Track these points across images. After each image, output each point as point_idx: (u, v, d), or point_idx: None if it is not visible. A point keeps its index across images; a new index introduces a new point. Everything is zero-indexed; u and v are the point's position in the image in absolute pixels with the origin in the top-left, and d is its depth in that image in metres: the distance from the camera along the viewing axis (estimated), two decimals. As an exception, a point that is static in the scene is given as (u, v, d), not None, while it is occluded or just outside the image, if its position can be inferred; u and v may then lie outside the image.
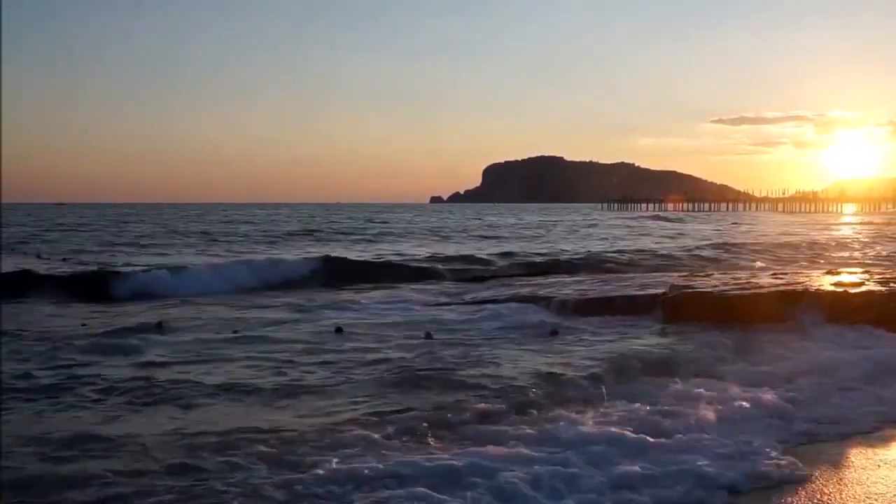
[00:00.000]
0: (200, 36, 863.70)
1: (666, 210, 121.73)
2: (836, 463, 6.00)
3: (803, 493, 5.40)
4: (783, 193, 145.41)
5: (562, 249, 30.79)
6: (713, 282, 13.91)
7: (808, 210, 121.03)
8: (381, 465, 5.50)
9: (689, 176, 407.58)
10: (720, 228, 55.02)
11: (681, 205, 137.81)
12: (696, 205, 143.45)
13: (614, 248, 30.18)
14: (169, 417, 6.91)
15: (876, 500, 5.28)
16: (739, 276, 15.37)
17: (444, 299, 15.59)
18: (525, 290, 15.77)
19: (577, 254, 27.39)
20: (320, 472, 5.40)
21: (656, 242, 36.02)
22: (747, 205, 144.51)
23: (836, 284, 12.98)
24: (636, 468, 5.53)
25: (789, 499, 5.32)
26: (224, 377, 8.41)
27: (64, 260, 24.94)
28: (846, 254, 27.91)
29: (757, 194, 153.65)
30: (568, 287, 15.97)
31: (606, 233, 47.85)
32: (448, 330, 11.61)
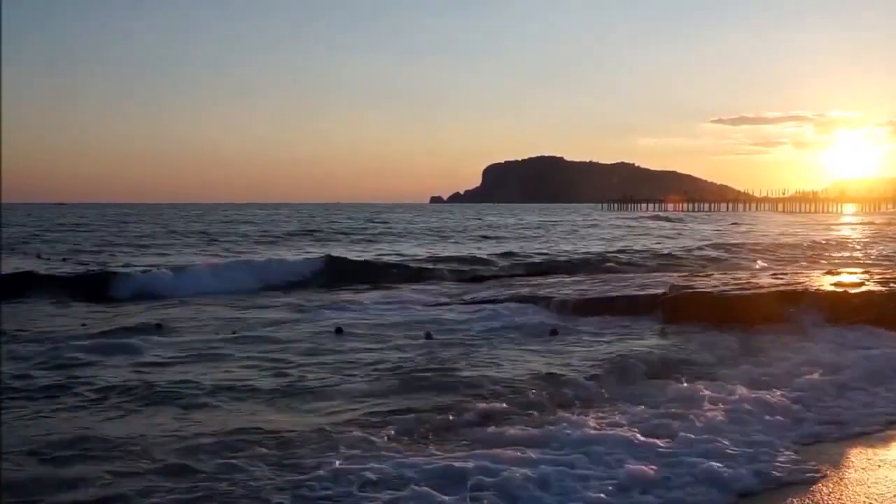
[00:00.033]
0: (200, 36, 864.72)
1: (666, 210, 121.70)
2: (838, 463, 5.99)
3: (814, 493, 5.38)
4: (783, 193, 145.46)
5: (562, 250, 30.80)
6: (713, 282, 13.91)
7: (808, 210, 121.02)
8: (384, 466, 5.49)
9: (689, 176, 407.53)
10: (720, 228, 55.02)
11: (681, 205, 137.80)
12: (696, 205, 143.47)
13: (614, 249, 30.17)
14: (169, 418, 6.90)
15: (876, 500, 5.27)
16: (739, 276, 15.37)
17: (444, 299, 15.59)
18: (525, 290, 15.77)
19: (576, 254, 27.43)
20: (322, 473, 5.40)
21: (656, 242, 36.02)
22: (747, 205, 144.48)
23: (836, 284, 12.99)
24: (644, 469, 5.51)
25: (801, 499, 5.30)
26: (224, 377, 8.40)
27: (64, 260, 24.93)
28: (846, 254, 27.91)
29: (757, 194, 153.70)
30: (568, 287, 15.98)
31: (606, 233, 47.85)
32: (448, 330, 11.60)
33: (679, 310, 12.19)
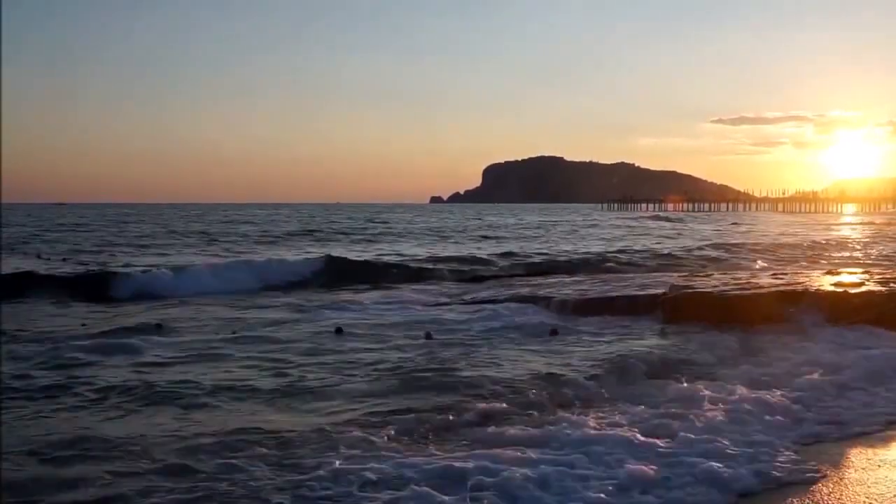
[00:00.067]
0: (200, 36, 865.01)
1: (666, 210, 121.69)
2: (838, 463, 5.99)
3: (814, 494, 5.38)
4: (783, 193, 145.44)
5: (562, 250, 30.80)
6: (713, 282, 13.91)
7: (808, 210, 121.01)
8: (384, 466, 5.48)
9: (689, 176, 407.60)
10: (720, 228, 55.02)
11: (681, 205, 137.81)
12: (696, 205, 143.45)
13: (614, 249, 30.18)
14: (169, 418, 6.90)
15: (876, 500, 5.27)
16: (739, 276, 15.37)
17: (444, 299, 15.59)
18: (525, 290, 15.77)
19: (576, 254, 27.43)
20: (322, 473, 5.40)
21: (656, 242, 36.02)
22: (747, 205, 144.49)
23: (836, 284, 12.99)
24: (644, 469, 5.51)
25: (801, 499, 5.30)
26: (224, 377, 8.40)
27: (64, 260, 24.93)
28: (846, 254, 27.91)
29: (757, 194, 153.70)
30: (568, 287, 15.98)
31: (606, 233, 47.85)
32: (448, 330, 11.60)
33: (679, 310, 12.19)
